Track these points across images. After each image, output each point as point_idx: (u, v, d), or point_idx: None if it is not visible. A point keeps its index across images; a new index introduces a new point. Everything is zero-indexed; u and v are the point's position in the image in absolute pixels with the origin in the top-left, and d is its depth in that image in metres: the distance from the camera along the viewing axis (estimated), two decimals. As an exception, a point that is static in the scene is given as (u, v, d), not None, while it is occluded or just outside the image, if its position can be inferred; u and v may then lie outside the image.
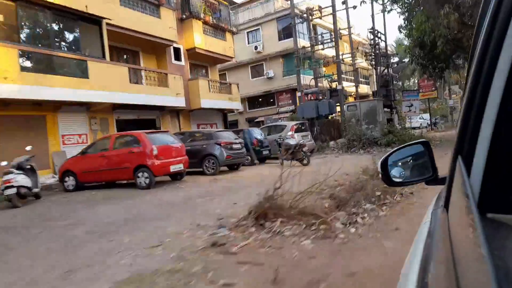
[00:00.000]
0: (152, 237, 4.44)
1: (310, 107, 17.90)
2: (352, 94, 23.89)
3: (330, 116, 18.78)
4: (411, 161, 1.41)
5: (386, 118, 19.12)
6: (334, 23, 18.87)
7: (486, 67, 0.60)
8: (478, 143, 0.62)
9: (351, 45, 21.56)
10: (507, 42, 0.55)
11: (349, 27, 21.01)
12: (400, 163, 1.40)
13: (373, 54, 18.67)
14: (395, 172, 1.38)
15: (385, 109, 21.98)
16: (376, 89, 19.27)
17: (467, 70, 0.84)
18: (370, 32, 18.78)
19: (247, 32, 31.40)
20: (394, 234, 3.95)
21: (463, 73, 34.93)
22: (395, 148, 1.41)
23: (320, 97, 19.04)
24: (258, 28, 30.28)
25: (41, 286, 3.21)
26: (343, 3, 19.46)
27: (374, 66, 18.33)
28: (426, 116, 44.21)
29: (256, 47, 30.20)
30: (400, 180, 1.39)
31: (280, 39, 29.10)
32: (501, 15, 0.57)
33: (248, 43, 31.23)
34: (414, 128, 41.59)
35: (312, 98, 19.44)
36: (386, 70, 20.77)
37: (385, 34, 20.76)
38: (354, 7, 18.67)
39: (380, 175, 1.41)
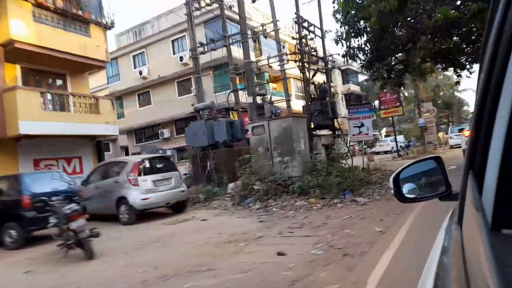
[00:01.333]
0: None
1: (200, 130, 11.64)
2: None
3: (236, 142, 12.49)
4: (424, 177, 1.38)
5: (320, 143, 13.07)
6: (240, 16, 12.98)
7: (493, 82, 0.61)
8: (489, 159, 0.62)
9: (277, 44, 15.70)
10: None
11: (274, 20, 15.20)
12: (412, 179, 1.38)
13: (298, 51, 12.73)
14: (407, 188, 1.37)
15: (324, 132, 15.95)
16: (306, 103, 13.14)
17: (476, 87, 0.78)
18: (294, 22, 12.92)
19: (172, 41, 25.65)
20: None
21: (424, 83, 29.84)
22: (407, 164, 1.40)
23: (220, 116, 12.87)
24: (184, 35, 24.44)
25: None
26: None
27: (301, 70, 12.28)
28: (400, 138, 38.83)
29: (181, 58, 24.38)
30: (413, 196, 1.37)
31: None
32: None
33: (174, 54, 25.44)
34: (386, 152, 36.06)
35: (219, 117, 13.23)
36: (325, 78, 14.96)
37: (321, 28, 15.00)
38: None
39: (392, 191, 1.39)
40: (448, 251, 0.81)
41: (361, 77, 46.01)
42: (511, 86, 0.56)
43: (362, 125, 14.98)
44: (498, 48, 0.59)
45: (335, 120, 14.35)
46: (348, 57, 11.45)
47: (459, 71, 16.34)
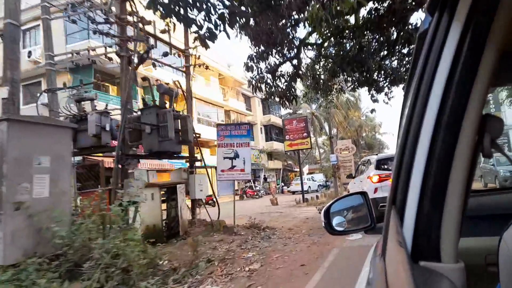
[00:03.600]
0: None
1: None
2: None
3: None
4: (351, 211, 1.44)
5: (141, 183, 7.39)
6: None
7: (413, 125, 0.67)
8: (409, 195, 0.66)
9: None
10: (430, 106, 0.63)
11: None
12: (341, 213, 1.43)
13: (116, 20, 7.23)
14: (337, 221, 1.41)
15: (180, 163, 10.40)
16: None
17: (398, 126, 0.84)
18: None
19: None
20: None
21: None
22: (337, 198, 1.47)
23: None
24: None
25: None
26: None
27: (118, 53, 6.66)
28: (320, 176, 35.05)
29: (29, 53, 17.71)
30: (342, 229, 1.41)
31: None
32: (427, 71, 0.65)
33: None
34: (304, 191, 31.76)
35: None
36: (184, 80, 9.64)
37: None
38: None
39: (323, 224, 1.44)
40: (373, 283, 0.86)
41: (284, 110, 42.92)
42: (427, 130, 0.63)
43: (236, 156, 9.71)
44: (421, 83, 0.66)
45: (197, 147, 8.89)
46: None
47: (375, 94, 12.34)
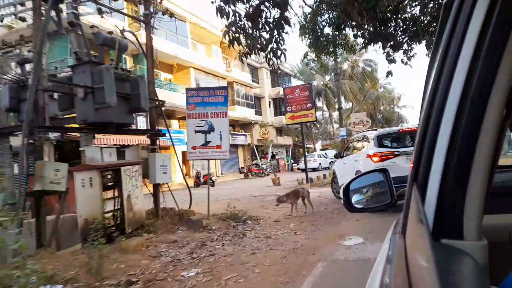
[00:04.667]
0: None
1: None
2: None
3: None
4: (371, 188, 1.44)
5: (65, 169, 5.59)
6: None
7: (438, 99, 0.65)
8: (432, 172, 0.65)
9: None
10: (456, 79, 0.61)
11: None
12: (360, 190, 1.44)
13: None
14: (356, 198, 1.43)
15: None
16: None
17: (422, 99, 0.81)
18: None
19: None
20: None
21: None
22: (356, 176, 1.48)
23: None
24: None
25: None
26: None
27: None
28: (332, 152, 32.67)
29: None
30: (361, 206, 1.43)
31: None
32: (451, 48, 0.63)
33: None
34: (314, 169, 29.60)
35: None
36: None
37: None
38: None
39: (342, 202, 1.46)
40: (393, 260, 0.85)
41: (295, 82, 40.03)
42: (453, 103, 0.61)
43: (211, 129, 7.72)
44: (444, 66, 0.65)
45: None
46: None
47: (391, 52, 9.95)
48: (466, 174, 0.59)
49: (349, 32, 10.15)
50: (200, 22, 24.32)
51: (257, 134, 31.77)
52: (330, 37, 9.62)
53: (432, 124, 0.66)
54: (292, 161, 35.67)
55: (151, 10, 7.35)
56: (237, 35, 7.06)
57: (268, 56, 7.29)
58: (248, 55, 7.46)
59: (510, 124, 0.61)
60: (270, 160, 31.56)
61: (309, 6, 9.18)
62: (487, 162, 0.59)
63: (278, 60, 7.33)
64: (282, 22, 6.59)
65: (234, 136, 28.84)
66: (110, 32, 6.38)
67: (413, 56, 10.28)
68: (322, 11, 9.20)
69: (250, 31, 6.98)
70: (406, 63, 10.29)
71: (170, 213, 7.49)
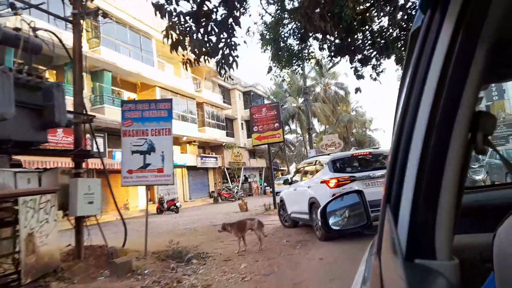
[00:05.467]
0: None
1: None
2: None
3: None
4: (347, 210, 1.43)
5: None
6: None
7: (407, 125, 0.66)
8: (403, 193, 0.65)
9: None
10: (423, 105, 0.62)
11: None
12: (337, 212, 1.44)
13: None
14: (333, 220, 1.42)
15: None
16: None
17: (393, 123, 0.83)
18: None
19: None
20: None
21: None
22: (332, 197, 1.48)
23: None
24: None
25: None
26: None
27: None
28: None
29: None
30: (338, 228, 1.43)
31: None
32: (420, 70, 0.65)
33: None
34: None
35: None
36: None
37: None
38: None
39: (319, 223, 1.40)
40: (368, 281, 0.86)
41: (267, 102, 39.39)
42: (421, 129, 0.62)
43: (151, 149, 6.50)
44: (414, 82, 0.66)
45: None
46: None
47: (359, 67, 9.25)
48: (436, 195, 0.60)
49: (315, 44, 9.45)
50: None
51: (229, 156, 30.55)
52: (293, 49, 8.82)
53: (403, 148, 0.67)
54: (265, 184, 34.48)
55: (80, 10, 6.22)
56: (181, 37, 6.06)
57: (220, 64, 6.28)
58: (196, 62, 6.44)
59: (475, 147, 0.62)
60: (242, 183, 30.26)
61: (270, 14, 8.37)
62: (455, 183, 0.60)
63: (231, 70, 6.33)
64: (232, 22, 5.62)
65: (204, 158, 27.49)
66: (17, 29, 5.18)
67: (382, 71, 9.64)
68: (285, 20, 8.43)
69: (195, 33, 5.98)
70: (375, 79, 9.61)
71: (97, 252, 6.08)
